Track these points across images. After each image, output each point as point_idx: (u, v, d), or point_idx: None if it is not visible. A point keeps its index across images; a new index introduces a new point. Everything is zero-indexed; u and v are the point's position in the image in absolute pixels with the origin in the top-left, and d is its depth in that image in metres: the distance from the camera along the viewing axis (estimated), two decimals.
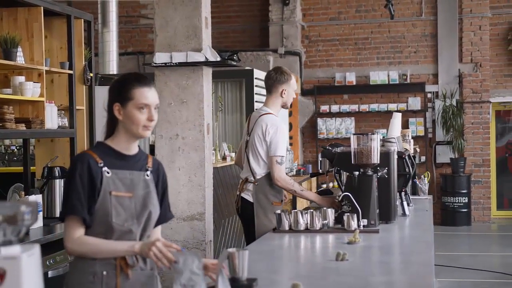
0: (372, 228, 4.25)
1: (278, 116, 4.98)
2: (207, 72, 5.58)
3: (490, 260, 9.26)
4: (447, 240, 10.54)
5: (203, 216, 5.47)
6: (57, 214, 5.16)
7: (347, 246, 3.71)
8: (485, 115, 12.44)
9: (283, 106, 5.02)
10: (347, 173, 4.60)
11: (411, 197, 5.61)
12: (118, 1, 10.91)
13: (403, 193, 5.03)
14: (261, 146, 4.83)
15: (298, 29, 12.83)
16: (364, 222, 4.22)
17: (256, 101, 9.54)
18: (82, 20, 5.93)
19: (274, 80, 4.94)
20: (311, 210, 4.22)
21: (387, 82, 12.58)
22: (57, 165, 5.37)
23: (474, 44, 12.44)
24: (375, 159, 4.35)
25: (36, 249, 1.71)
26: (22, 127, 5.01)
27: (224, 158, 8.35)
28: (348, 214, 4.18)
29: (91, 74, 5.97)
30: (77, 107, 5.75)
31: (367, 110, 12.59)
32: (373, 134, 4.38)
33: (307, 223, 4.18)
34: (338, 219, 4.27)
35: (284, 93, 4.95)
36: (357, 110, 12.62)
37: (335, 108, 12.69)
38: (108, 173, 2.75)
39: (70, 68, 5.61)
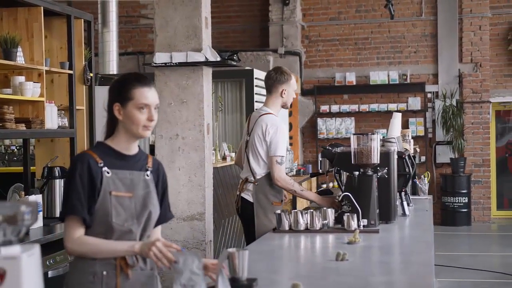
0: (372, 228, 4.25)
1: (278, 116, 4.98)
2: (207, 72, 5.58)
3: (490, 260, 9.26)
4: (447, 240, 10.54)
5: (203, 216, 5.47)
6: (57, 214, 5.16)
7: (347, 246, 3.71)
8: (485, 115, 12.44)
9: (283, 106, 5.02)
10: (347, 173, 4.60)
11: (411, 197, 5.61)
12: (118, 1, 10.91)
13: (403, 193, 5.03)
14: (261, 146, 4.83)
15: (298, 29, 12.83)
16: (364, 222, 4.22)
17: (256, 101, 9.54)
18: (82, 20, 5.93)
19: (274, 80, 4.94)
20: (311, 210, 4.22)
21: (387, 82, 12.58)
22: (57, 165, 5.37)
23: (474, 44, 12.44)
24: (375, 159, 4.35)
25: (36, 249, 1.71)
26: (22, 127, 5.01)
27: (224, 158, 8.35)
28: (348, 214, 4.18)
29: (91, 74, 5.97)
30: (77, 107, 5.75)
31: (367, 110, 12.59)
32: (373, 134, 4.38)
33: (307, 223, 4.18)
34: (338, 219, 4.27)
35: (284, 93, 4.95)
36: (357, 110, 12.62)
37: (335, 108, 12.69)
38: (108, 173, 2.75)
39: (70, 68, 5.61)
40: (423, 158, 12.33)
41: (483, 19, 12.40)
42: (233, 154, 8.18)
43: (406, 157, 5.06)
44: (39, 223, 4.74)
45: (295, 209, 6.69)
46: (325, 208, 4.33)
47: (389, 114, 10.36)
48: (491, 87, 12.48)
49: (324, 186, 11.73)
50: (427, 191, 6.47)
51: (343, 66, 12.89)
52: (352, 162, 4.38)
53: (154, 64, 5.45)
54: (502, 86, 12.58)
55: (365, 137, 4.37)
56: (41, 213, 4.87)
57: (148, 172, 2.86)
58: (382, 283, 2.97)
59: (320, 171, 5.09)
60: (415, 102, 12.50)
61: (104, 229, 2.74)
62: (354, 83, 12.71)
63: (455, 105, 12.25)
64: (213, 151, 7.45)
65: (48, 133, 5.40)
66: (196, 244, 5.45)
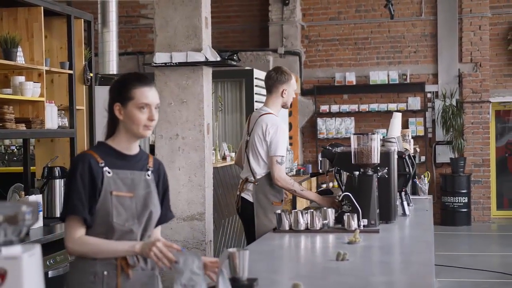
0: (372, 228, 4.24)
1: (278, 116, 4.98)
2: (207, 72, 5.58)
3: (490, 260, 9.26)
4: (447, 240, 10.54)
5: (203, 216, 5.47)
6: (57, 214, 5.16)
7: (347, 246, 3.71)
8: (485, 115, 12.44)
9: (283, 106, 5.02)
10: (347, 173, 4.60)
11: (411, 197, 5.61)
12: (118, 1, 10.91)
13: (403, 193, 5.03)
14: (261, 146, 4.83)
15: (298, 29, 12.83)
16: (364, 222, 4.22)
17: (256, 101, 9.54)
18: (82, 20, 5.93)
19: (274, 80, 4.94)
20: (311, 210, 4.22)
21: (387, 82, 12.58)
22: (57, 165, 5.37)
23: (474, 44, 12.44)
24: (375, 159, 4.35)
25: (37, 249, 1.71)
26: (22, 127, 5.01)
27: (224, 158, 8.35)
28: (348, 214, 4.18)
29: (91, 74, 5.97)
30: (77, 107, 5.75)
31: (367, 110, 12.59)
32: (373, 134, 4.38)
33: (307, 223, 4.18)
34: (338, 219, 4.27)
35: (285, 93, 4.95)
36: (357, 110, 12.62)
37: (335, 108, 12.69)
38: (109, 173, 2.75)
39: (70, 68, 5.61)
40: (423, 158, 12.33)
41: (483, 19, 12.41)
42: (233, 154, 8.18)
43: (406, 157, 5.06)
44: (39, 223, 4.73)
45: (295, 209, 6.69)
46: (325, 208, 4.33)
47: (389, 114, 10.35)
48: (491, 87, 12.48)
49: (324, 186, 11.73)
50: (427, 191, 6.47)
51: (343, 66, 12.89)
52: (352, 162, 4.37)
53: (154, 64, 5.46)
54: (502, 86, 12.58)
55: (365, 137, 4.36)
56: (41, 213, 4.87)
57: (149, 172, 2.86)
58: (383, 283, 2.97)
59: (320, 171, 5.09)
60: (415, 102, 12.50)
61: (105, 229, 2.74)
62: (354, 83, 12.71)
63: (455, 105, 12.25)
64: (213, 151, 7.45)
65: (48, 133, 5.40)
66: (196, 244, 5.45)
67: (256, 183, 4.85)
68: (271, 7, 12.86)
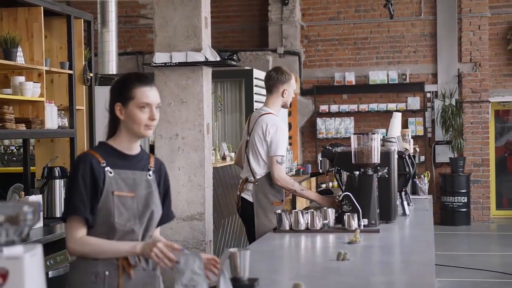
0: (373, 227, 4.25)
1: (278, 116, 4.98)
2: (207, 72, 5.58)
3: (489, 260, 9.27)
4: (446, 240, 10.54)
5: (203, 216, 5.47)
6: (57, 214, 5.16)
7: (347, 246, 3.71)
8: (484, 115, 12.45)
9: (283, 106, 5.02)
10: (348, 173, 4.60)
11: (411, 196, 5.61)
12: (117, 1, 10.90)
13: (403, 193, 5.03)
14: (262, 146, 4.83)
15: (297, 29, 12.83)
16: (364, 221, 4.22)
17: (255, 101, 9.54)
18: (82, 20, 5.93)
19: (275, 80, 4.94)
20: (312, 210, 4.22)
21: (386, 82, 12.58)
22: (57, 165, 5.37)
23: (473, 43, 12.44)
24: (376, 158, 4.35)
25: (39, 249, 1.71)
26: (22, 127, 5.00)
27: (223, 158, 8.35)
28: (349, 213, 4.18)
29: (91, 74, 5.97)
30: (77, 107, 5.75)
31: (366, 110, 12.59)
32: (374, 133, 4.38)
33: (307, 223, 4.18)
34: (339, 219, 4.27)
35: (285, 93, 4.95)
36: (356, 110, 12.63)
37: (334, 108, 12.69)
38: (110, 173, 2.75)
39: (70, 68, 5.61)
40: (422, 158, 12.33)
41: (482, 19, 12.41)
42: (232, 154, 8.18)
43: (406, 156, 5.06)
44: (39, 223, 4.73)
45: (295, 209, 6.69)
46: (325, 208, 4.33)
47: (388, 114, 10.35)
48: (490, 87, 12.48)
49: (324, 186, 11.74)
50: (427, 190, 6.47)
51: (342, 66, 12.89)
52: (353, 162, 4.38)
53: (154, 64, 5.45)
54: (501, 85, 12.58)
55: (366, 136, 4.37)
56: (41, 213, 4.86)
57: (150, 172, 2.86)
58: (383, 282, 2.97)
59: (320, 171, 5.09)
60: (414, 102, 12.51)
61: (107, 229, 2.73)
62: (353, 83, 12.71)
63: (454, 104, 12.25)
64: (213, 151, 7.45)
65: (48, 133, 5.40)
66: (196, 244, 5.45)
67: (256, 183, 4.84)
68: (271, 7, 12.86)
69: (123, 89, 2.78)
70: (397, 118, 5.65)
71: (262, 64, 11.95)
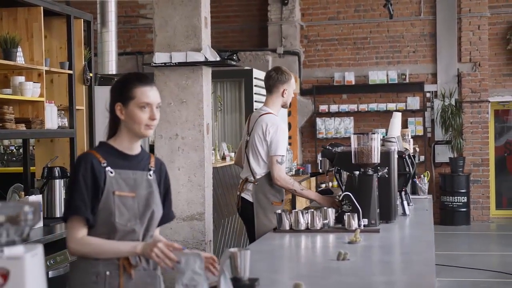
0: (373, 227, 4.25)
1: (278, 116, 4.98)
2: (207, 72, 5.58)
3: (489, 260, 9.27)
4: (446, 240, 10.54)
5: (203, 216, 5.47)
6: (57, 215, 5.16)
7: (348, 245, 3.71)
8: (484, 115, 12.45)
9: (283, 106, 5.02)
10: (348, 173, 4.60)
11: (410, 196, 5.61)
12: (117, 1, 10.90)
13: (403, 193, 5.03)
14: (262, 146, 4.83)
15: (297, 28, 12.83)
16: (364, 221, 4.22)
17: (255, 101, 9.54)
18: (82, 20, 5.93)
19: (275, 80, 4.94)
20: (312, 210, 4.22)
21: (386, 82, 12.58)
22: (57, 165, 5.37)
23: (473, 43, 12.45)
24: (376, 158, 4.35)
25: (39, 249, 1.71)
26: (22, 127, 5.00)
27: (223, 158, 8.35)
28: (349, 213, 4.18)
29: (91, 74, 5.97)
30: (77, 107, 5.75)
31: (366, 109, 12.59)
32: (374, 133, 4.38)
33: (307, 223, 4.18)
34: (339, 219, 4.27)
35: (285, 93, 4.95)
36: (356, 109, 12.62)
37: (334, 107, 12.69)
38: (111, 173, 2.75)
39: (70, 68, 5.61)
40: (422, 158, 12.32)
41: (482, 19, 12.41)
42: (232, 154, 8.18)
43: (406, 156, 5.06)
44: (39, 223, 4.73)
45: (295, 209, 6.69)
46: (325, 207, 4.33)
47: (388, 113, 10.34)
48: (490, 87, 12.48)
49: (323, 185, 11.74)
50: (427, 190, 6.47)
51: (342, 65, 12.89)
52: (353, 162, 4.38)
53: (154, 64, 5.45)
54: (501, 85, 12.59)
55: (366, 136, 4.37)
56: (41, 213, 4.86)
57: (151, 172, 2.86)
58: (384, 282, 2.97)
59: (320, 170, 5.09)
60: (414, 102, 12.51)
61: (107, 229, 2.73)
62: (353, 83, 12.71)
63: (454, 104, 12.25)
64: (213, 151, 7.45)
65: (48, 133, 5.40)
66: (196, 244, 5.45)
67: (256, 183, 4.84)
68: (270, 7, 12.86)
69: (123, 89, 2.78)
70: (397, 118, 5.65)
71: (261, 64, 11.95)
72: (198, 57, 5.38)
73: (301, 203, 8.88)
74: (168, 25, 5.47)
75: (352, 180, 4.38)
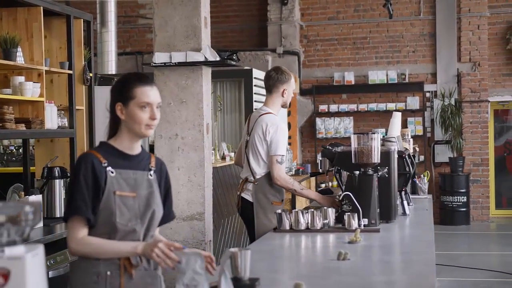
0: (373, 227, 4.25)
1: (278, 116, 4.98)
2: (207, 72, 5.57)
3: (489, 259, 9.27)
4: (446, 240, 10.54)
5: (203, 216, 5.47)
6: (57, 214, 5.16)
7: (348, 245, 3.71)
8: (483, 114, 12.45)
9: (283, 105, 5.02)
10: (348, 173, 4.60)
11: (410, 196, 5.61)
12: (117, 1, 10.90)
13: (403, 193, 5.03)
14: (262, 146, 4.83)
15: (296, 28, 12.83)
16: (364, 221, 4.22)
17: (255, 101, 9.54)
18: (82, 20, 5.92)
19: (275, 80, 4.93)
20: (312, 210, 4.22)
21: (385, 82, 12.58)
22: (57, 165, 5.37)
23: (473, 43, 12.45)
24: (376, 158, 4.35)
25: (40, 249, 1.71)
26: (22, 127, 5.00)
27: (223, 158, 8.35)
28: (349, 213, 4.18)
29: (91, 74, 5.97)
30: (77, 107, 5.75)
31: (366, 109, 12.59)
32: (374, 133, 4.38)
33: (307, 223, 4.18)
34: (339, 219, 4.27)
35: (285, 93, 4.95)
36: (355, 109, 12.62)
37: (333, 107, 12.69)
38: (112, 173, 2.75)
39: (70, 68, 5.61)
40: (421, 158, 12.33)
41: (481, 19, 12.41)
42: (232, 154, 8.18)
43: (406, 156, 5.06)
44: (40, 223, 4.73)
45: (295, 208, 6.69)
46: (325, 207, 4.33)
47: (387, 113, 10.34)
48: (489, 86, 12.48)
49: (323, 185, 11.74)
50: (426, 190, 6.48)
51: (341, 65, 12.89)
52: (353, 162, 4.38)
53: (154, 64, 5.45)
54: (501, 85, 12.59)
55: (366, 136, 4.37)
56: (41, 214, 4.86)
57: (152, 172, 2.86)
58: (384, 282, 2.97)
59: (320, 170, 5.09)
60: (413, 102, 12.51)
61: (108, 229, 2.73)
62: (353, 83, 12.71)
63: (453, 104, 12.25)
64: (213, 151, 7.45)
65: (48, 133, 5.40)
66: (196, 244, 5.45)
67: (256, 183, 4.84)
68: (270, 6, 12.86)
69: (123, 89, 2.78)
70: (397, 118, 5.65)
71: (261, 64, 11.95)
72: (198, 57, 5.38)
73: (301, 203, 8.88)
74: (168, 25, 5.47)
75: (352, 180, 4.38)
